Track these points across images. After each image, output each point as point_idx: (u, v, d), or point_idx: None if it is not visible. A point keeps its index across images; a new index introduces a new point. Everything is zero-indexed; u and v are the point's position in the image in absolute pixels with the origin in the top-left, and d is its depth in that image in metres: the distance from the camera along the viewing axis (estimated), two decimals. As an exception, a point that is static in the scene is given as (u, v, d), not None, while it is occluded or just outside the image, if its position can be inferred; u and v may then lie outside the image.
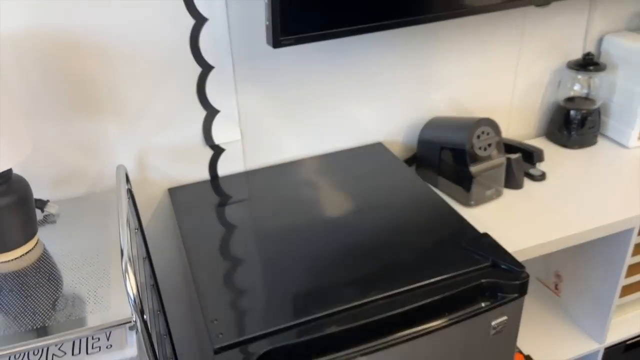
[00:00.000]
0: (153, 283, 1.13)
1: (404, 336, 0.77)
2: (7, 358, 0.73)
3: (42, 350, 0.74)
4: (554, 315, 1.33)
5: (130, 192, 1.02)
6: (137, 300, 0.71)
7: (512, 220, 1.06)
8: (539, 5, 1.19)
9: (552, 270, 1.35)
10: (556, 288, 1.35)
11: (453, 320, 0.78)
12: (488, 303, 0.81)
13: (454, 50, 1.21)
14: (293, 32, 0.85)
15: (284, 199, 1.03)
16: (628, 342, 1.35)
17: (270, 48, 1.04)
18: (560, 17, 1.26)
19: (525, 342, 1.26)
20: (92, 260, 0.84)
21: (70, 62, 0.93)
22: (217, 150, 1.10)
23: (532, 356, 1.22)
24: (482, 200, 1.12)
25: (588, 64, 1.26)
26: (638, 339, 1.35)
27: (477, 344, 0.83)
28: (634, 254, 1.17)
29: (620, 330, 1.28)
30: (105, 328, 0.71)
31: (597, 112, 1.30)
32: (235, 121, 1.09)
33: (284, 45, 0.85)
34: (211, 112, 1.06)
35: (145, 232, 1.11)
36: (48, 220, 0.94)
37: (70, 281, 0.80)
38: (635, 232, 1.09)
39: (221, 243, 0.92)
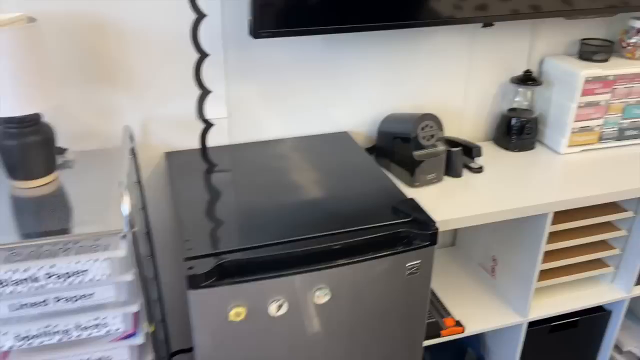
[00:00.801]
0: (146, 231, 1.35)
1: (336, 265, 0.98)
2: (30, 251, 0.95)
3: (57, 245, 0.96)
4: (488, 294, 1.53)
5: (133, 151, 1.25)
6: (129, 217, 0.94)
7: (447, 200, 1.27)
8: (484, 25, 1.43)
9: (490, 255, 1.56)
10: (492, 271, 1.56)
11: (377, 256, 1.00)
12: (405, 247, 1.02)
13: (413, 57, 1.44)
14: (269, 27, 1.09)
15: (259, 168, 1.26)
16: (553, 324, 1.55)
17: (255, 42, 1.28)
18: (505, 38, 1.50)
19: (459, 312, 1.46)
20: (98, 196, 1.06)
21: (94, 40, 1.17)
22: (207, 125, 1.34)
23: (462, 322, 1.42)
24: (424, 183, 1.34)
25: (527, 79, 1.49)
26: (561, 321, 1.55)
27: (396, 281, 1.05)
28: (549, 241, 1.38)
29: (542, 309, 1.47)
30: (103, 234, 0.93)
31: (535, 121, 1.52)
32: (223, 101, 1.32)
33: (263, 37, 1.09)
34: (204, 92, 1.30)
35: (144, 188, 1.34)
36: (65, 165, 1.17)
37: (79, 207, 1.02)
38: (549, 218, 1.31)
39: (203, 194, 1.14)
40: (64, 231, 0.93)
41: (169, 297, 1.46)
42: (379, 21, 1.22)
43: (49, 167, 1.08)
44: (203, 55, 1.26)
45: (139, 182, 1.28)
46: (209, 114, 1.32)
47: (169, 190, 1.30)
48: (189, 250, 0.95)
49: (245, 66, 1.30)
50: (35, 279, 0.91)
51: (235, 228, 1.02)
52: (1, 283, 0.90)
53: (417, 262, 1.04)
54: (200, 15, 1.22)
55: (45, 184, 1.09)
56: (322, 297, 0.99)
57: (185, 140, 1.34)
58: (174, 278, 1.45)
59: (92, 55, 1.18)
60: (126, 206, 0.94)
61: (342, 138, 1.43)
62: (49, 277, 0.92)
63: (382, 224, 1.04)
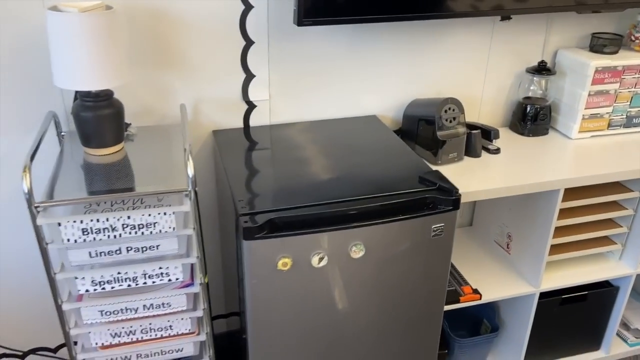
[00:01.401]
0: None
1: (370, 224, 1.12)
2: (110, 203, 1.10)
3: (127, 204, 1.11)
4: (504, 268, 1.66)
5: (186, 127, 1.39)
6: (193, 178, 1.09)
7: (467, 176, 1.41)
8: (502, 19, 1.56)
9: (506, 232, 1.68)
10: (507, 247, 1.69)
11: (406, 217, 1.14)
12: (430, 211, 1.16)
13: (437, 47, 1.57)
14: (312, 16, 1.23)
15: (298, 145, 1.40)
16: (563, 297, 1.67)
17: (296, 30, 1.43)
18: (522, 31, 1.63)
19: (476, 282, 1.59)
20: (159, 164, 1.21)
21: (155, 27, 1.32)
22: (251, 106, 1.48)
23: (479, 290, 1.55)
24: (446, 162, 1.47)
25: (542, 69, 1.62)
26: (571, 294, 1.67)
27: (422, 241, 1.18)
28: (560, 217, 1.50)
29: (553, 281, 1.60)
30: (173, 191, 1.08)
31: (548, 109, 1.65)
32: (266, 85, 1.47)
33: (305, 25, 1.23)
34: (249, 76, 1.45)
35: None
36: (128, 138, 1.32)
37: (144, 172, 1.17)
38: (560, 195, 1.43)
39: (249, 165, 1.29)
40: (134, 189, 1.08)
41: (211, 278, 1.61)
42: (408, 12, 1.36)
43: (118, 137, 1.23)
44: (249, 43, 1.40)
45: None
46: (252, 96, 1.47)
47: (218, 163, 1.44)
48: (243, 208, 1.10)
49: (285, 53, 1.45)
50: (114, 229, 1.06)
51: (281, 192, 1.16)
52: (85, 231, 1.05)
53: (441, 224, 1.18)
54: (248, 7, 1.36)
55: (115, 152, 1.24)
56: (357, 252, 1.13)
57: (230, 120, 1.48)
58: (215, 236, 1.60)
59: (153, 40, 1.33)
60: (191, 168, 1.08)
61: (371, 121, 1.57)
62: (125, 227, 1.07)
63: (411, 190, 1.17)
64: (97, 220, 1.05)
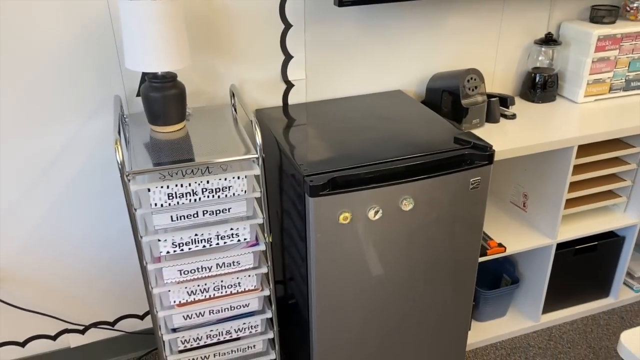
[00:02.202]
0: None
1: (417, 179, 1.26)
2: (182, 173, 1.22)
3: (197, 170, 1.24)
4: (522, 225, 1.82)
5: (234, 107, 1.52)
6: (261, 145, 1.22)
7: (491, 139, 1.56)
8: (512, -4, 1.71)
9: (521, 192, 1.84)
10: (524, 206, 1.84)
11: (447, 172, 1.28)
12: (468, 167, 1.31)
13: (452, 25, 1.72)
14: (353, -3, 1.37)
15: (338, 118, 1.54)
16: (576, 247, 1.84)
17: (328, 14, 1.56)
18: (529, 6, 1.78)
19: (498, 238, 1.75)
20: (219, 138, 1.34)
21: (204, 15, 1.44)
22: (289, 85, 1.61)
23: (503, 244, 1.71)
24: (470, 128, 1.62)
25: (549, 41, 1.78)
26: (585, 245, 1.84)
27: (462, 193, 1.33)
28: (574, 173, 1.67)
29: (568, 233, 1.76)
30: (247, 159, 1.21)
31: (556, 77, 1.81)
32: (302, 65, 1.60)
33: (346, 5, 1.37)
34: (287, 57, 1.58)
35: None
36: (187, 117, 1.44)
37: (207, 145, 1.29)
38: (574, 151, 1.59)
39: (297, 136, 1.42)
40: (191, 160, 1.21)
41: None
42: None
43: (181, 116, 1.35)
44: (288, 26, 1.53)
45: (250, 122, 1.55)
46: (290, 76, 1.60)
47: (267, 136, 1.57)
48: (305, 170, 1.23)
49: (319, 36, 1.58)
50: (195, 193, 1.19)
51: (334, 156, 1.29)
52: (171, 195, 1.17)
53: (478, 178, 1.32)
54: (288, -7, 1.49)
55: (179, 130, 1.36)
56: (407, 204, 1.27)
57: (270, 99, 1.61)
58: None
59: (202, 26, 1.46)
60: (259, 137, 1.21)
61: (398, 95, 1.71)
62: (204, 191, 1.19)
63: (450, 149, 1.32)
64: (182, 186, 1.17)
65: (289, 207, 1.38)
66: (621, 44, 1.75)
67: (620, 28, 1.73)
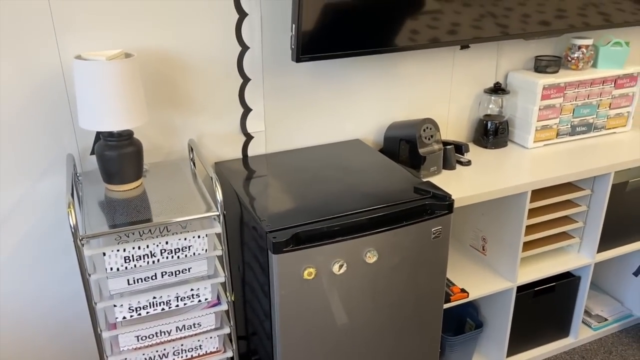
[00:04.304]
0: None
1: (381, 231, 1.26)
2: (148, 230, 1.18)
3: (155, 229, 1.19)
4: (482, 268, 1.84)
5: (193, 161, 1.50)
6: (222, 202, 1.19)
7: (448, 186, 1.59)
8: (462, 48, 1.79)
9: (480, 236, 1.87)
10: (483, 249, 1.87)
11: (409, 223, 1.29)
12: (429, 217, 1.32)
13: (408, 77, 1.77)
14: (308, 52, 1.39)
15: (297, 169, 1.53)
16: (535, 289, 1.87)
17: (286, 68, 1.58)
18: (478, 58, 1.86)
19: (460, 283, 1.76)
20: (177, 195, 1.31)
21: (163, 71, 1.43)
22: (249, 137, 1.61)
23: (466, 289, 1.72)
24: (428, 176, 1.65)
25: (498, 90, 1.85)
26: (543, 286, 1.88)
27: (424, 243, 1.33)
28: (529, 216, 1.71)
29: (526, 275, 1.79)
30: (207, 216, 1.18)
31: (506, 124, 1.88)
32: (261, 117, 1.60)
33: (303, 60, 1.39)
34: (246, 110, 1.58)
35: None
36: (143, 174, 1.41)
37: (165, 202, 1.26)
38: (529, 195, 1.64)
39: (258, 189, 1.40)
40: (148, 220, 1.17)
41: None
42: (385, 46, 1.55)
43: (138, 174, 1.32)
44: (246, 80, 1.54)
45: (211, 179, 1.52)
46: (249, 128, 1.60)
47: (227, 190, 1.54)
48: (268, 225, 1.21)
49: (277, 88, 1.59)
50: (153, 254, 1.14)
51: (296, 209, 1.28)
52: (127, 259, 1.13)
53: (439, 227, 1.34)
54: (245, 48, 1.50)
55: (135, 187, 1.32)
56: (372, 257, 1.26)
57: (230, 152, 1.60)
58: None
59: (161, 83, 1.44)
60: (219, 193, 1.19)
61: (356, 144, 1.73)
62: (163, 252, 1.15)
63: (411, 199, 1.33)
64: (139, 248, 1.13)
65: (251, 261, 1.34)
66: (565, 92, 1.84)
67: (563, 77, 1.82)
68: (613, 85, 1.91)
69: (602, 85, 1.90)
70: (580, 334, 2.06)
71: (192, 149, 1.48)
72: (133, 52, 1.34)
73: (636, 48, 2.15)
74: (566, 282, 1.93)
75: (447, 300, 1.67)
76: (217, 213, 1.19)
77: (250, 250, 1.34)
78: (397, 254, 1.31)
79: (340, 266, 1.24)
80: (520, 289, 1.81)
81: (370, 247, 1.27)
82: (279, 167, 1.54)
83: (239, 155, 1.62)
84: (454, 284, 1.74)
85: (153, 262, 1.16)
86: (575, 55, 1.89)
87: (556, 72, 1.87)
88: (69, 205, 1.08)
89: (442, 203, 1.33)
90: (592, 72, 1.89)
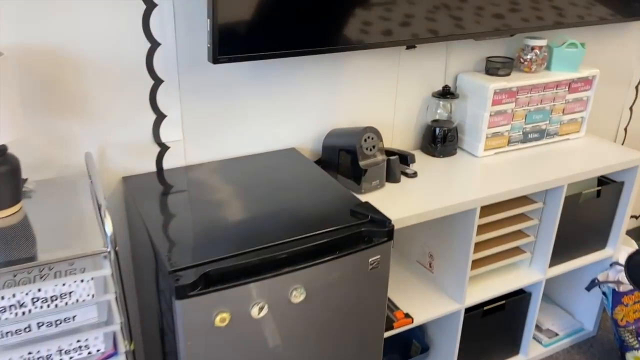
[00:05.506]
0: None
1: (308, 265, 1.08)
2: (13, 274, 0.95)
3: (32, 272, 0.97)
4: (429, 287, 1.70)
5: (90, 177, 1.27)
6: (112, 237, 0.98)
7: (391, 203, 1.42)
8: (407, 47, 1.62)
9: (427, 252, 1.72)
10: (430, 266, 1.73)
11: (342, 254, 1.11)
12: (366, 245, 1.14)
13: (349, 79, 1.59)
14: (227, 53, 1.18)
15: (218, 185, 1.33)
16: (485, 308, 1.74)
17: (207, 68, 1.36)
18: (425, 58, 1.70)
19: (405, 306, 1.61)
20: (64, 222, 1.08)
21: (49, 70, 1.19)
22: (163, 148, 1.39)
23: (410, 314, 1.56)
24: (370, 190, 1.48)
25: (446, 93, 1.69)
26: (492, 305, 1.75)
27: (360, 276, 1.16)
28: (479, 232, 1.57)
29: (475, 295, 1.66)
30: (90, 255, 0.96)
31: (455, 130, 1.73)
32: (178, 124, 1.38)
33: (221, 62, 1.17)
34: (160, 117, 1.35)
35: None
36: (26, 195, 1.17)
37: (50, 234, 1.04)
38: (477, 212, 1.49)
39: (169, 214, 1.19)
40: (32, 258, 0.95)
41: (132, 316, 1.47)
42: (319, 45, 1.36)
43: (15, 197, 1.08)
44: (158, 82, 1.32)
45: (98, 206, 1.29)
46: (164, 137, 1.38)
47: (132, 213, 1.33)
48: (172, 264, 1.01)
49: (197, 91, 1.38)
50: (22, 305, 0.92)
51: (209, 241, 1.08)
52: (-13, 312, 0.90)
53: (377, 257, 1.17)
54: (155, 44, 1.28)
55: (12, 215, 1.09)
56: (298, 296, 1.08)
57: (142, 164, 1.37)
58: (132, 298, 1.47)
59: (49, 85, 1.20)
60: (109, 226, 0.97)
61: (291, 154, 1.54)
62: (36, 301, 0.93)
63: (344, 225, 1.15)
64: (2, 298, 0.90)
65: (161, 301, 1.14)
66: (517, 96, 1.70)
67: (516, 81, 1.68)
68: (567, 89, 1.79)
69: (556, 89, 1.77)
70: (531, 351, 1.95)
71: (91, 163, 1.25)
72: (8, 49, 1.10)
73: (592, 50, 2.04)
74: (517, 300, 1.81)
75: (390, 327, 1.51)
76: (106, 250, 0.98)
77: (158, 288, 1.13)
78: (329, 291, 1.13)
79: (261, 309, 1.05)
80: (469, 308, 1.67)
81: (296, 284, 1.08)
82: (198, 183, 1.33)
83: (154, 168, 1.40)
84: (397, 308, 1.59)
85: (23, 313, 0.93)
86: (529, 56, 1.75)
87: (508, 74, 1.73)
88: None
89: (380, 230, 1.16)
90: (545, 75, 1.76)
